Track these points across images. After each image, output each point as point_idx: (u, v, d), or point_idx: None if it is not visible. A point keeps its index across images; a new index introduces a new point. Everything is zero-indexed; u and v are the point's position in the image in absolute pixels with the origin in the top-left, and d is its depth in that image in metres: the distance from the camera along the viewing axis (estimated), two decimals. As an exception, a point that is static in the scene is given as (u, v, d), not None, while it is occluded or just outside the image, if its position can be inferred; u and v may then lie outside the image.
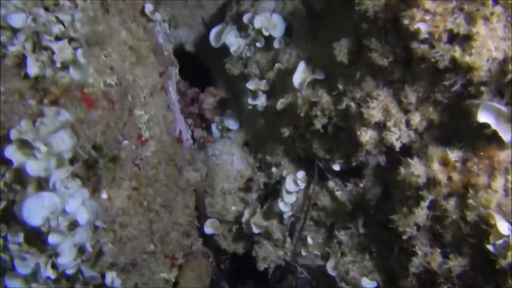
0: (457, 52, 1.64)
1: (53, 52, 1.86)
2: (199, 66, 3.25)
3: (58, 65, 1.86)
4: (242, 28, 2.74)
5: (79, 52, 1.90)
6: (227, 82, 3.05)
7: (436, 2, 1.66)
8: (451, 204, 1.83)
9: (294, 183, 2.54)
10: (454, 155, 1.80)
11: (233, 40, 2.73)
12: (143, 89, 2.31)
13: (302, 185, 2.53)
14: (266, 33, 2.62)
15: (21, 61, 1.83)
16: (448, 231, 1.87)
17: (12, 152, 1.75)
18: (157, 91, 2.40)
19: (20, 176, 1.77)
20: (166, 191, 2.43)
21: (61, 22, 1.91)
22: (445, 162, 1.81)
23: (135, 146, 2.18)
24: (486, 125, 1.72)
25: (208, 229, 2.76)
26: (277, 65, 2.57)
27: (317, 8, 2.52)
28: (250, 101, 2.68)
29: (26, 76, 1.82)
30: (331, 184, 2.44)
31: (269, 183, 2.75)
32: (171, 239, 2.54)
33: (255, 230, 2.68)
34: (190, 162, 2.66)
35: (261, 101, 2.67)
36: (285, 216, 2.60)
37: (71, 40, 1.91)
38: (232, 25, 2.78)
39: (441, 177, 1.80)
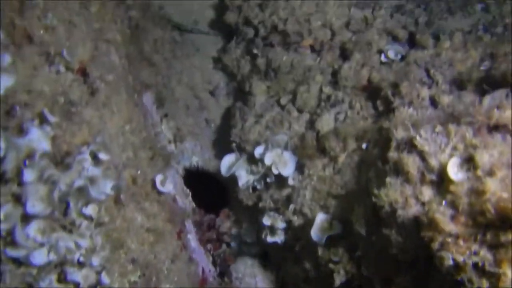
0: (484, 285, 1.62)
1: (78, 284, 1.89)
2: (210, 178, 3.24)
3: (86, 293, 1.90)
4: (252, 161, 2.73)
5: (103, 274, 1.93)
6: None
7: (457, 225, 1.65)
8: None
9: (321, 319, 2.59)
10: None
11: (243, 174, 2.73)
12: (165, 261, 2.33)
13: (330, 322, 2.58)
14: (276, 172, 2.61)
15: (49, 296, 1.87)
16: None
17: None
18: (177, 255, 2.42)
19: None
20: None
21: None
22: None
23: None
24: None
25: None
26: (291, 207, 2.57)
27: (327, 147, 2.50)
28: (268, 239, 2.69)
29: (58, 317, 1.86)
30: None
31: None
32: None
33: None
34: (217, 301, 2.71)
35: (280, 238, 2.68)
36: None
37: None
38: (243, 155, 2.77)
39: None
